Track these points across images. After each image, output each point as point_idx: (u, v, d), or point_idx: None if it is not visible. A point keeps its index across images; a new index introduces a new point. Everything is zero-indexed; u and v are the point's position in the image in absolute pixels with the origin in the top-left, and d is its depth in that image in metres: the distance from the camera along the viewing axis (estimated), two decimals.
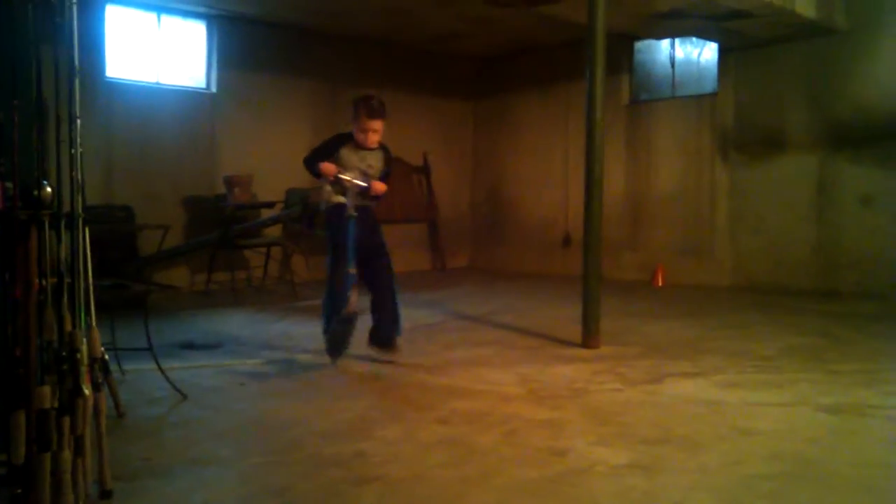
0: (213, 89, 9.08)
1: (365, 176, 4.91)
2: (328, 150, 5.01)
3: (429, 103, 11.20)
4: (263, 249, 8.82)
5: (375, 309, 5.17)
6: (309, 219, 8.71)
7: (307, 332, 6.16)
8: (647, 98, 9.97)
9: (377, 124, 4.96)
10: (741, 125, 8.91)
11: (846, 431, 3.58)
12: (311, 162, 4.97)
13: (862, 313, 7.03)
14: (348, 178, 4.81)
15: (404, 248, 10.81)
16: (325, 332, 5.03)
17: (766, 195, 8.67)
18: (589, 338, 5.51)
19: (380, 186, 4.96)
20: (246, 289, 8.80)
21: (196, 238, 8.52)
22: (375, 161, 5.04)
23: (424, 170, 10.94)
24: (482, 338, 5.98)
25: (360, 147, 4.98)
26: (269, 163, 9.25)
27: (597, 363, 5.02)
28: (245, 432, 3.61)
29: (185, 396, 4.08)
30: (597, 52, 5.52)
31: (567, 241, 10.39)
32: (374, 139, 4.97)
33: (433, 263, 11.19)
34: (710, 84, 9.31)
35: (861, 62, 7.99)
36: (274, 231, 9.09)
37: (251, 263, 9.09)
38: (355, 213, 4.81)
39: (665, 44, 9.74)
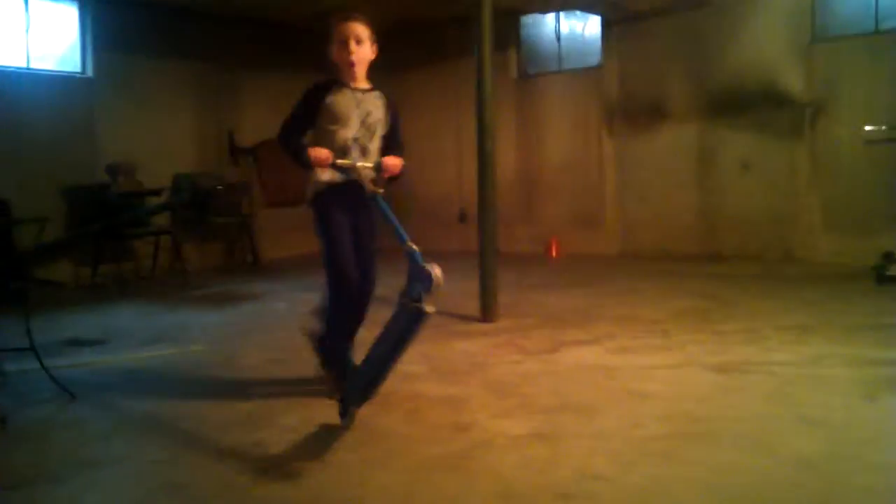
0: (90, 73, 8.64)
1: (367, 133, 3.77)
2: (308, 109, 3.75)
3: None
4: (152, 239, 8.51)
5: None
6: (201, 204, 8.47)
7: (202, 322, 6.01)
8: (535, 72, 10.10)
9: (359, 29, 3.80)
10: (625, 97, 9.15)
11: (732, 388, 3.75)
12: (289, 141, 3.71)
13: (743, 274, 7.37)
14: (349, 161, 3.63)
15: (299, 231, 10.66)
16: (327, 363, 3.93)
17: (651, 164, 8.95)
18: (487, 312, 5.59)
19: (394, 162, 3.76)
20: (135, 280, 8.49)
21: (77, 230, 8.15)
22: (376, 108, 3.84)
23: None
24: (382, 317, 5.93)
25: (351, 86, 3.79)
26: (154, 148, 8.91)
27: (496, 336, 5.10)
28: (139, 429, 3.49)
29: (73, 396, 3.92)
30: (484, 27, 5.55)
31: (463, 217, 10.45)
32: (362, 56, 3.79)
33: None
34: (594, 57, 9.50)
35: (734, 32, 8.31)
36: (162, 219, 8.79)
37: (140, 254, 8.76)
38: (380, 189, 3.68)
39: (551, 18, 9.87)
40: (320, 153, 3.56)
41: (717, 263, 8.10)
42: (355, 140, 3.74)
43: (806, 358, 4.25)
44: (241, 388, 4.08)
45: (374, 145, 3.82)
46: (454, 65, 10.28)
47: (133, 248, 8.74)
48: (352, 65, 3.76)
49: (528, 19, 10.04)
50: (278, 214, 10.05)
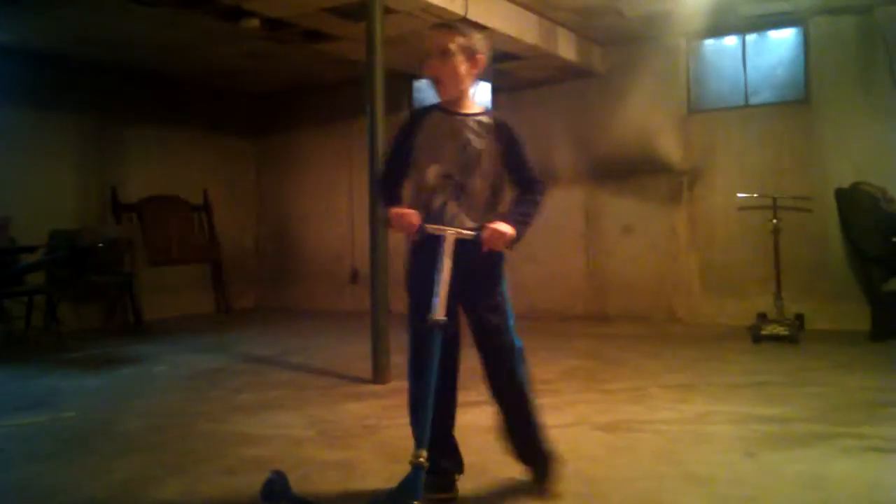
0: None
1: (464, 169, 2.97)
2: (398, 143, 3.11)
3: (208, 140, 10.83)
4: (25, 298, 8.04)
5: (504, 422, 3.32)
6: (79, 262, 8.10)
7: (76, 387, 5.69)
8: None
9: (441, 39, 2.93)
10: None
11: (620, 448, 3.81)
12: (382, 188, 3.20)
13: (629, 334, 7.58)
14: (436, 227, 2.89)
15: (185, 291, 10.34)
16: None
17: (542, 227, 9.11)
18: (379, 373, 5.52)
19: (500, 233, 2.95)
20: (5, 342, 7.97)
21: None
22: (478, 136, 3.01)
23: (205, 208, 10.53)
24: (271, 380, 5.80)
25: (450, 111, 3.03)
26: (30, 203, 8.50)
27: (387, 398, 5.02)
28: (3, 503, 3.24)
29: None
30: (376, 90, 5.60)
31: (354, 277, 10.38)
32: (447, 72, 2.93)
33: (217, 305, 10.76)
34: None
35: (617, 103, 8.71)
36: (36, 278, 8.33)
37: (12, 314, 8.25)
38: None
39: None
40: (403, 220, 2.90)
41: (604, 323, 8.31)
42: (447, 178, 2.98)
43: (690, 416, 4.37)
44: (116, 457, 3.85)
45: (476, 184, 3.00)
46: (348, 125, 10.33)
47: (4, 307, 8.22)
48: (436, 83, 2.98)
49: (421, 83, 10.22)
50: (162, 273, 9.71)
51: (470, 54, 2.97)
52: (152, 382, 5.89)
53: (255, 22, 6.43)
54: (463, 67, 2.96)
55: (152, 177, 9.94)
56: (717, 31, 8.12)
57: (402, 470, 3.49)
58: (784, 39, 7.97)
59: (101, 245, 8.40)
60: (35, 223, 8.31)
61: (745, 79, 8.09)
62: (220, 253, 10.61)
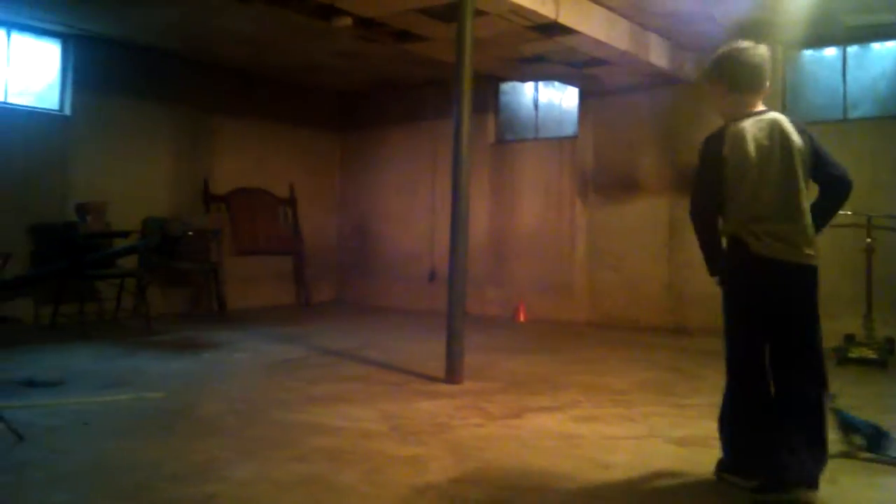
0: (67, 112, 8.61)
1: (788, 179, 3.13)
2: (706, 168, 3.30)
3: (295, 135, 11.07)
4: (117, 281, 8.38)
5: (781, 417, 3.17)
6: (169, 249, 8.38)
7: (159, 369, 5.89)
8: (511, 138, 10.24)
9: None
10: (599, 167, 9.28)
11: (695, 462, 3.72)
12: (700, 221, 3.37)
13: (708, 349, 7.38)
14: None
15: (267, 281, 10.59)
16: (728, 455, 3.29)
17: (623, 235, 9.04)
18: (452, 373, 5.54)
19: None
20: (96, 322, 8.31)
21: (42, 267, 8.01)
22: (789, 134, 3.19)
23: (290, 201, 10.78)
24: (346, 373, 5.89)
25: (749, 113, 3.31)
26: (127, 190, 8.86)
27: (459, 398, 5.04)
28: (86, 476, 3.37)
29: (20, 438, 3.78)
30: (464, 91, 5.62)
31: (432, 276, 10.45)
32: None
33: (298, 297, 10.98)
34: (570, 127, 9.66)
35: (707, 111, 8.49)
36: (129, 262, 8.67)
37: (103, 295, 8.61)
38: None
39: (529, 87, 10.05)
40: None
41: (682, 336, 8.14)
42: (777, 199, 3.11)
43: None
44: (194, 438, 3.98)
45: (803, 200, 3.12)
46: (432, 125, 10.40)
47: (97, 289, 8.59)
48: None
49: (507, 86, 10.22)
50: (247, 263, 9.98)
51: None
52: (232, 368, 6.05)
53: (347, 20, 6.54)
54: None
55: (241, 169, 10.23)
56: (817, 41, 7.86)
57: (470, 468, 3.51)
58: (887, 51, 7.66)
59: (190, 233, 8.67)
60: (130, 209, 8.65)
61: (845, 91, 7.81)
62: (303, 246, 10.83)
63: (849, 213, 7.20)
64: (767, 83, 3.35)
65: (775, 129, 3.18)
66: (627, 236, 9.03)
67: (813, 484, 3.01)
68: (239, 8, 6.68)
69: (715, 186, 3.23)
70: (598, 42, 7.02)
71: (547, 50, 7.36)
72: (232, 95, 10.17)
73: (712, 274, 3.46)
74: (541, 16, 6.31)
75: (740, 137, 3.20)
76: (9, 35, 8.19)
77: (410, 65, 9.41)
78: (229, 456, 3.66)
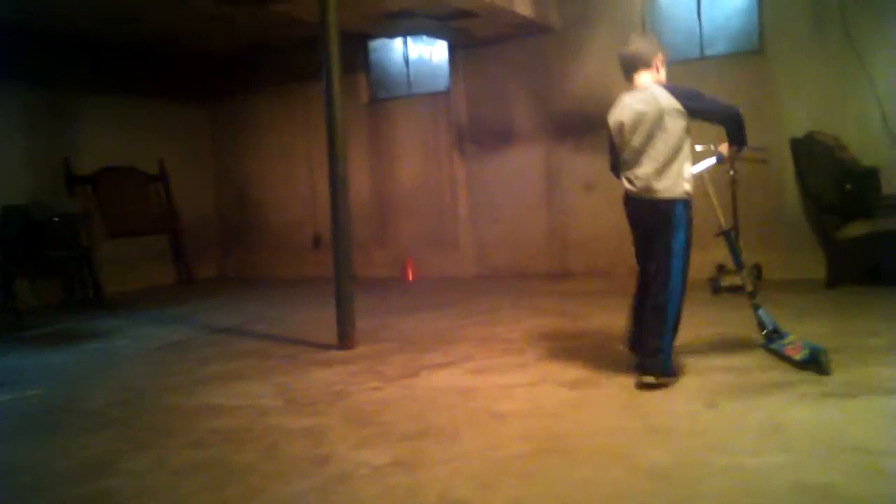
0: None
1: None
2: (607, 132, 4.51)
3: (163, 108, 10.61)
4: None
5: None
6: (34, 237, 7.94)
7: (38, 364, 5.62)
8: (385, 96, 10.14)
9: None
10: (474, 120, 9.34)
11: (586, 403, 3.86)
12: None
13: (592, 290, 7.65)
14: None
15: (145, 263, 10.21)
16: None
17: (502, 186, 9.16)
18: (344, 339, 5.52)
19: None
20: None
21: None
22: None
23: (162, 177, 10.36)
24: (236, 350, 5.77)
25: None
26: None
27: (354, 364, 5.03)
28: None
29: None
30: (331, 51, 5.52)
31: (317, 242, 10.32)
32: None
33: (178, 276, 10.64)
34: (443, 82, 9.65)
35: (575, 58, 8.67)
36: None
37: None
38: None
39: (399, 43, 9.96)
40: None
41: (567, 280, 8.37)
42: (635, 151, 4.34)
43: None
44: (83, 434, 3.82)
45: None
46: (304, 88, 10.18)
47: None
48: None
49: (377, 44, 10.08)
50: (121, 245, 9.56)
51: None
52: (116, 357, 5.84)
53: None
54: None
55: (107, 147, 9.73)
56: None
57: (370, 434, 3.52)
58: None
59: (56, 219, 8.24)
60: None
61: (701, 30, 8.10)
62: (180, 223, 10.47)
63: (710, 146, 7.56)
64: (640, 69, 4.39)
65: (649, 99, 4.22)
66: (506, 187, 9.16)
67: (641, 370, 4.07)
68: None
69: (611, 142, 4.47)
70: None
71: (413, 4, 7.29)
72: (90, 70, 9.62)
73: None
74: None
75: (618, 106, 4.38)
76: None
77: (277, 27, 9.14)
78: (122, 448, 3.54)
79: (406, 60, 9.95)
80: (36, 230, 7.95)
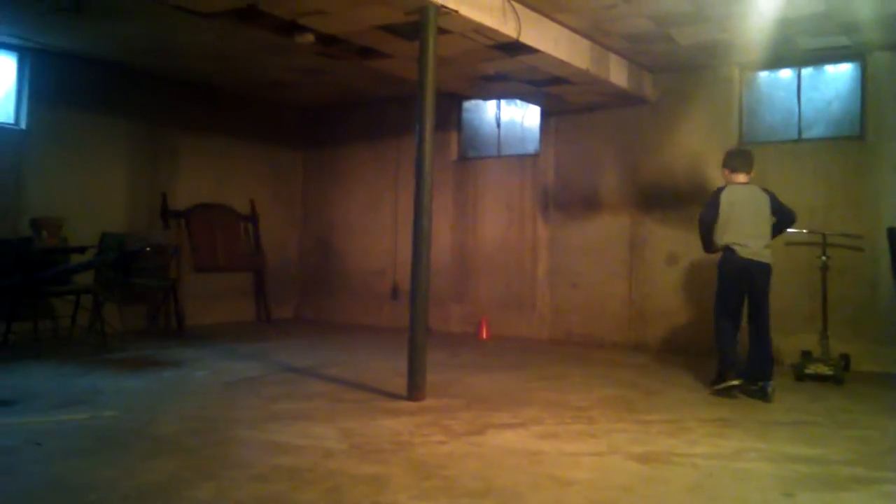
0: (23, 125, 8.47)
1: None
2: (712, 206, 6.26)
3: (257, 150, 11.01)
4: (73, 297, 8.22)
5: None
6: (126, 265, 8.25)
7: (116, 387, 5.78)
8: (474, 155, 10.28)
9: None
10: (561, 185, 9.36)
11: (654, 479, 3.75)
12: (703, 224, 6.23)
13: (668, 365, 7.47)
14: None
15: (227, 298, 10.47)
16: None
17: (583, 252, 9.11)
18: (414, 390, 5.51)
19: None
20: (51, 340, 8.15)
21: None
22: None
23: (252, 217, 10.69)
24: (306, 391, 5.83)
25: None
26: (83, 205, 8.72)
27: (421, 416, 5.01)
28: (37, 498, 3.29)
29: None
30: (426, 108, 5.64)
31: (395, 293, 10.42)
32: None
33: (258, 314, 10.88)
34: (532, 145, 9.74)
35: (667, 130, 8.64)
36: (85, 278, 8.52)
37: (58, 312, 8.45)
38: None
39: (491, 104, 10.12)
40: None
41: (642, 353, 8.21)
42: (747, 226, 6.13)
43: (727, 451, 4.28)
44: (151, 458, 3.90)
45: None
46: (395, 142, 10.43)
47: (52, 306, 8.42)
48: None
49: (470, 104, 10.27)
50: (207, 280, 9.86)
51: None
52: (191, 387, 5.96)
53: (309, 37, 6.53)
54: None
55: (202, 184, 10.13)
56: (773, 63, 8.02)
57: (432, 486, 3.49)
58: (841, 74, 7.86)
59: (148, 249, 8.57)
60: (87, 225, 8.52)
61: (800, 112, 7.98)
62: (264, 262, 10.75)
63: (804, 231, 7.37)
64: (749, 171, 6.22)
65: (757, 191, 6.11)
66: (588, 253, 9.10)
67: (763, 382, 5.86)
68: (201, 23, 6.62)
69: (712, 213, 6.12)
70: (559, 61, 7.10)
71: (509, 68, 7.42)
72: (193, 110, 10.07)
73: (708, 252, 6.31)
74: (503, 35, 6.36)
75: (730, 190, 6.14)
76: None
77: (373, 81, 9.41)
78: (188, 475, 3.59)
79: (498, 122, 10.09)
80: (129, 258, 8.27)
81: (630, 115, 8.85)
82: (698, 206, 8.33)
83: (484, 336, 9.46)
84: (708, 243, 6.16)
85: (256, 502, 3.24)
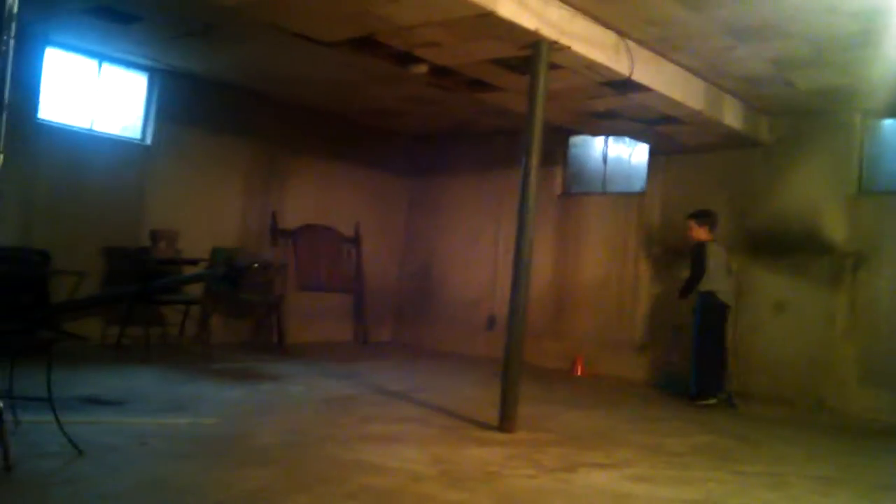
0: (148, 141, 8.95)
1: None
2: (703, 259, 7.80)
3: (365, 176, 11.27)
4: (182, 307, 8.59)
5: None
6: (234, 280, 8.56)
7: (218, 396, 5.98)
8: (578, 191, 10.22)
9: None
10: (666, 224, 9.18)
11: None
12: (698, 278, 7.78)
13: (771, 417, 7.19)
14: None
15: (327, 318, 10.70)
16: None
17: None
18: (506, 421, 5.49)
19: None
20: (160, 346, 8.52)
21: (112, 289, 8.26)
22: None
23: (355, 240, 10.93)
24: (399, 414, 5.89)
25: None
26: (198, 220, 9.11)
27: (511, 448, 4.99)
28: (139, 496, 3.44)
29: (80, 452, 3.88)
30: (534, 142, 5.67)
31: (492, 324, 10.41)
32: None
33: (355, 335, 11.06)
34: (638, 183, 9.61)
35: (780, 175, 8.38)
36: (195, 289, 8.88)
37: (168, 320, 8.84)
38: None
39: (599, 141, 10.06)
40: None
41: (745, 402, 7.91)
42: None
43: None
44: (247, 467, 4.02)
45: None
46: (500, 174, 10.48)
47: (162, 313, 8.82)
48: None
49: (578, 139, 10.24)
50: (308, 298, 10.11)
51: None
52: (288, 401, 6.12)
53: (423, 68, 6.68)
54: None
55: (309, 206, 10.44)
56: None
57: None
58: None
59: (256, 265, 8.86)
60: (200, 238, 8.89)
61: None
62: (365, 285, 10.94)
63: None
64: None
65: (721, 247, 7.90)
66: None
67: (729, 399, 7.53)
68: (320, 52, 6.87)
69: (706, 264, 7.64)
70: (671, 101, 7.01)
71: (619, 106, 7.38)
72: (305, 134, 10.42)
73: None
74: (615, 72, 6.34)
75: (715, 245, 7.80)
76: (100, 66, 8.59)
77: (481, 113, 9.52)
78: (280, 487, 3.68)
79: (604, 158, 10.03)
80: (238, 273, 8.57)
81: (742, 158, 8.63)
82: (809, 255, 8.09)
83: (578, 373, 9.34)
84: (692, 290, 7.72)
85: None
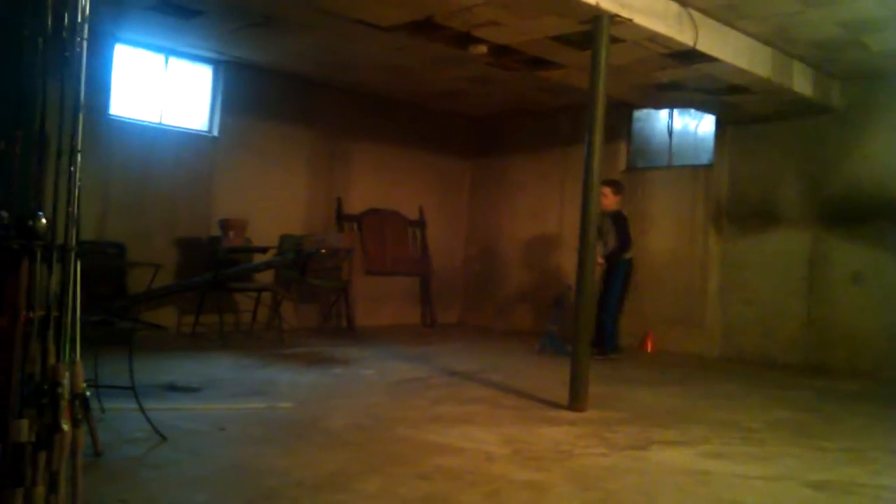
0: (215, 133, 9.14)
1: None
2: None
3: (427, 159, 11.31)
4: (254, 294, 8.78)
5: None
6: (303, 266, 8.70)
7: (291, 381, 6.11)
8: (643, 166, 10.07)
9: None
10: (735, 197, 8.99)
11: None
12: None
13: (850, 390, 7.00)
14: None
15: (394, 301, 10.81)
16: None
17: (758, 267, 8.71)
18: (576, 401, 5.47)
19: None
20: (233, 333, 8.74)
21: (187, 279, 8.49)
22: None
23: (420, 223, 10.99)
24: (469, 395, 5.93)
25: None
26: (266, 208, 9.29)
27: (583, 426, 4.97)
28: (222, 479, 3.54)
29: (164, 438, 4.02)
30: (597, 118, 5.60)
31: (559, 303, 10.36)
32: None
33: (423, 318, 11.15)
34: (706, 155, 9.42)
35: (855, 141, 8.11)
36: (265, 276, 9.07)
37: (240, 307, 9.05)
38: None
39: (663, 114, 9.88)
40: None
41: (821, 376, 7.73)
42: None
43: None
44: (323, 450, 4.10)
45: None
46: (563, 152, 10.39)
47: (235, 301, 9.03)
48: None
49: (641, 113, 10.08)
50: (375, 282, 10.22)
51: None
52: (359, 384, 6.21)
53: (482, 48, 6.65)
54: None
55: (373, 190, 10.53)
56: None
57: (593, 498, 3.46)
58: None
59: (323, 251, 8.99)
60: (268, 226, 9.06)
61: None
62: (431, 268, 11.00)
63: None
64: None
65: None
66: (762, 269, 8.69)
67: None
68: (378, 36, 6.90)
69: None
70: (738, 69, 6.84)
71: (684, 77, 7.23)
72: (366, 119, 10.49)
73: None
74: (679, 43, 6.21)
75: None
76: (167, 60, 8.79)
77: (542, 91, 9.45)
78: (356, 468, 3.75)
79: (670, 132, 9.84)
80: (306, 259, 8.72)
81: (813, 126, 8.38)
82: (887, 223, 7.81)
83: (648, 349, 9.24)
84: (622, 257, 8.22)
85: (420, 500, 3.33)
